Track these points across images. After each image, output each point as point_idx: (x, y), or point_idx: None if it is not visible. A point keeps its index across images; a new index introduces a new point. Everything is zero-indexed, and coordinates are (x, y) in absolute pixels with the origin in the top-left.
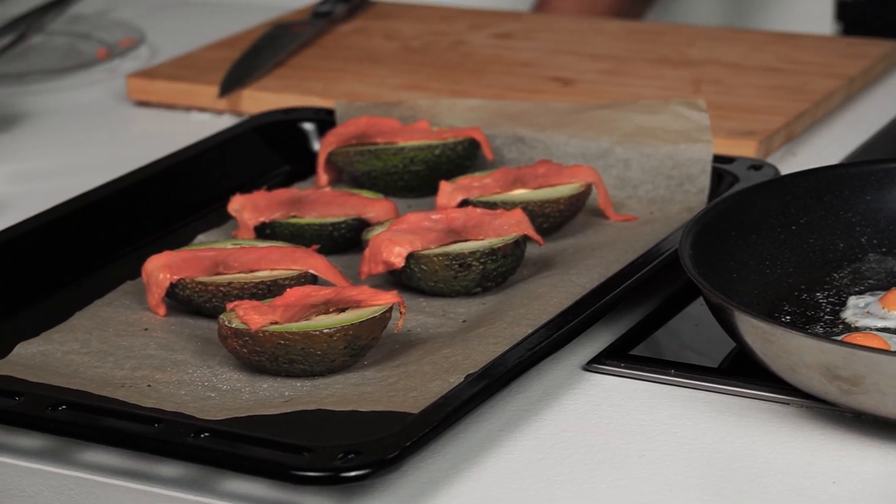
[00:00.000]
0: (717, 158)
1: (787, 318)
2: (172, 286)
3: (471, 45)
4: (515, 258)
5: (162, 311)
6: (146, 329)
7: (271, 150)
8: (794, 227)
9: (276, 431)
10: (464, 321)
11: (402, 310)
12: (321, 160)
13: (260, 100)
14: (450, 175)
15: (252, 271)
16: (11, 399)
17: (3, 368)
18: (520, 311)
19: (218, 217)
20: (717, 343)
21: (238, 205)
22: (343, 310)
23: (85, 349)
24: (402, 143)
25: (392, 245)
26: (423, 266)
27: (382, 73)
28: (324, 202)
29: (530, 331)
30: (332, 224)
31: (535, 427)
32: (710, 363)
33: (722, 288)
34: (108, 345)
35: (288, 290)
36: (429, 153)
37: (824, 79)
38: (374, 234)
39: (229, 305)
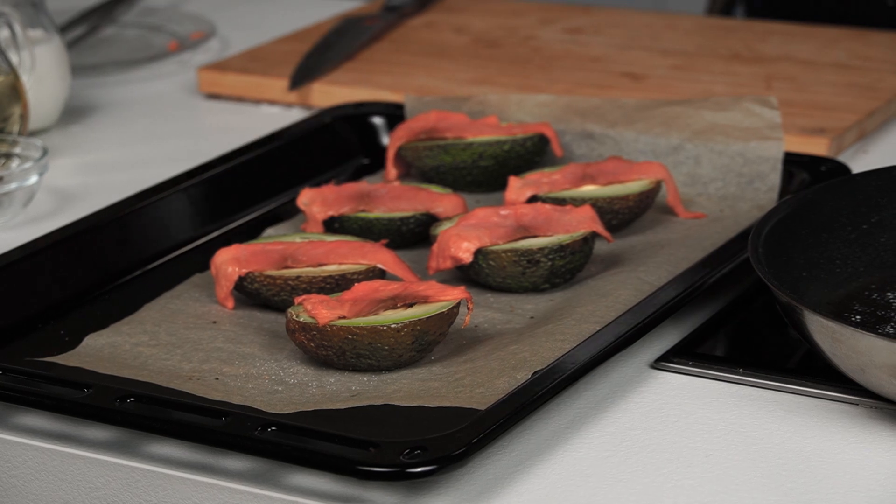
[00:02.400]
0: (789, 156)
1: (857, 317)
2: (241, 279)
3: (541, 39)
4: (584, 255)
5: (230, 304)
6: (214, 322)
7: (341, 145)
8: (864, 227)
9: (342, 426)
10: (531, 317)
11: (470, 305)
12: (390, 154)
13: (330, 93)
14: (519, 170)
15: (320, 265)
16: (80, 391)
17: (72, 360)
18: (588, 308)
19: (287, 211)
20: (787, 342)
21: (307, 198)
22: (411, 305)
23: (153, 341)
24: (471, 139)
25: (460, 240)
26: (491, 262)
27: (452, 68)
28: (392, 196)
29: (598, 328)
30: (401, 218)
31: (601, 425)
32: (779, 362)
33: (792, 287)
34: (176, 337)
35: (356, 284)
36: (498, 148)
37: None
38: (442, 229)
39: (297, 299)
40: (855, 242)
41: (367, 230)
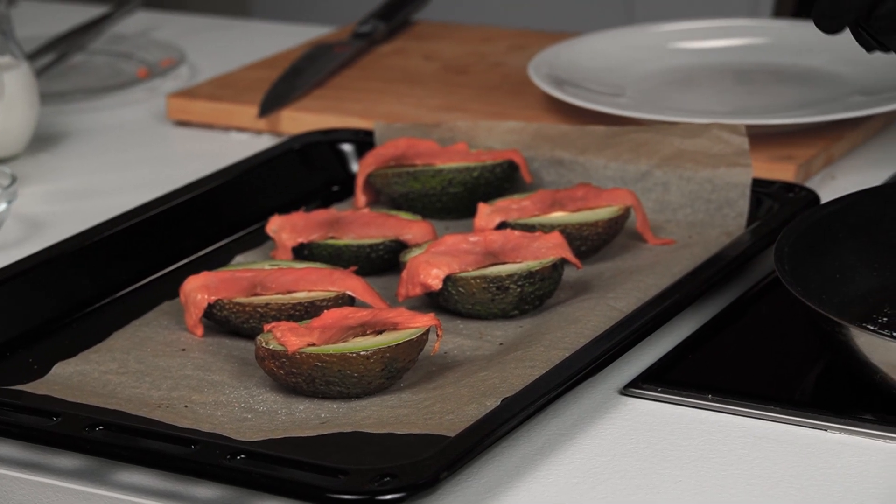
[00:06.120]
0: (756, 182)
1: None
2: (210, 307)
3: (510, 66)
4: (553, 281)
5: (199, 331)
6: (183, 349)
7: (310, 171)
8: (882, 240)
9: (311, 453)
10: (501, 344)
11: (439, 332)
12: (360, 181)
13: (299, 120)
14: (488, 197)
15: (290, 292)
16: (49, 419)
17: (40, 388)
18: (557, 335)
19: (256, 238)
20: (756, 368)
21: (276, 225)
22: (380, 332)
23: (122, 369)
24: (440, 165)
25: (430, 267)
26: (460, 288)
27: (421, 94)
28: (362, 223)
29: (567, 354)
30: (370, 245)
31: (570, 451)
32: (749, 389)
33: (809, 297)
34: (145, 365)
35: (325, 311)
36: (467, 175)
37: None
38: (411, 256)
39: (267, 326)
40: (869, 258)
41: (336, 257)
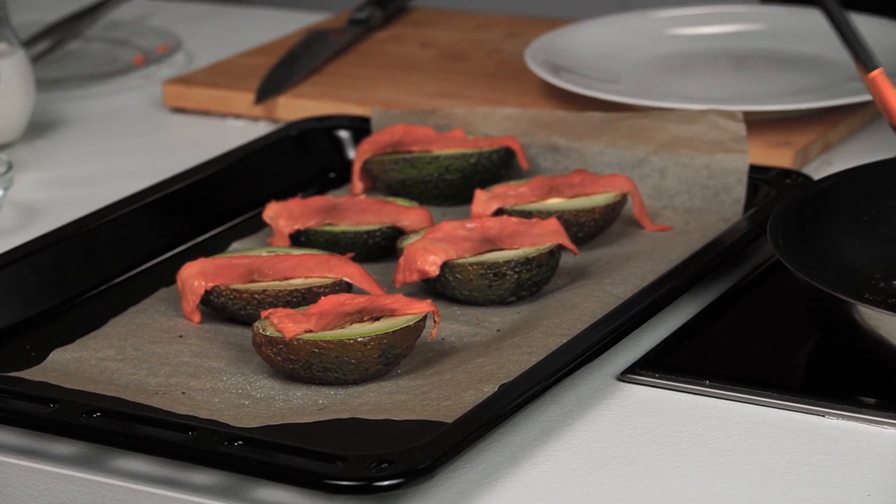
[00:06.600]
0: (753, 169)
1: None
2: (207, 293)
3: (507, 53)
4: (550, 267)
5: (196, 318)
6: (181, 336)
7: (307, 158)
8: (864, 218)
9: (309, 440)
10: (498, 330)
11: (437, 318)
12: (356, 168)
13: (296, 107)
14: (485, 184)
15: (286, 279)
16: (46, 406)
17: (38, 375)
18: (554, 321)
19: (253, 224)
20: (753, 354)
21: (273, 212)
22: (377, 318)
23: (120, 356)
24: (437, 152)
25: (427, 253)
26: (457, 275)
27: (418, 81)
28: (359, 210)
29: (564, 340)
30: (367, 232)
31: (568, 437)
32: (745, 374)
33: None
34: (142, 352)
35: (322, 298)
36: (464, 162)
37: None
38: (408, 243)
39: (264, 313)
40: (855, 234)
41: (333, 244)
